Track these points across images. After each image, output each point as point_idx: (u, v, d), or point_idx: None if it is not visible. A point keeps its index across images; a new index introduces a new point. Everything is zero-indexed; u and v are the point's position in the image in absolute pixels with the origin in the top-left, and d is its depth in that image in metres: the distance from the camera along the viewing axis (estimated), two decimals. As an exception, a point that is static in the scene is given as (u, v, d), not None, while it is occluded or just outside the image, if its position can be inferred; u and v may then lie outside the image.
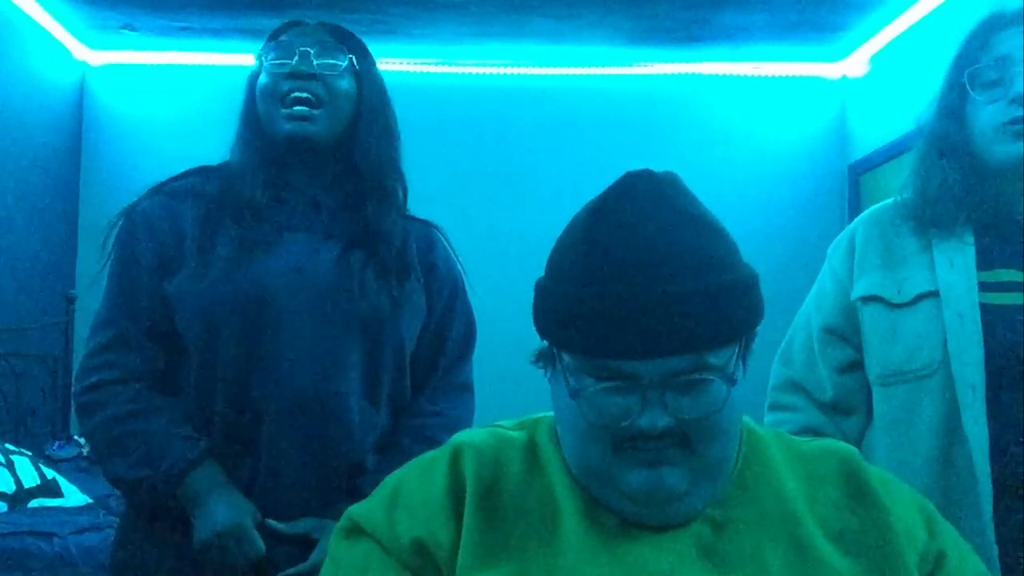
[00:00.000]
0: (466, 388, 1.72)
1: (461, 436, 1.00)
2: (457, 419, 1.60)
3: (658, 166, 0.99)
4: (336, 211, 1.54)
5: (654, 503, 0.90)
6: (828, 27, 4.20)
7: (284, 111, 1.49)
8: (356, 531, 0.95)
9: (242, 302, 1.43)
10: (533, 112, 4.60)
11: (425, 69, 4.59)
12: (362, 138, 1.55)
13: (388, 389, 1.52)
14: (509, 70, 4.60)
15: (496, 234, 4.52)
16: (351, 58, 1.58)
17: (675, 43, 4.37)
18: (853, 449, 1.02)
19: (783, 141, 4.63)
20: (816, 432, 1.47)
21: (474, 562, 0.89)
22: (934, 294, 1.42)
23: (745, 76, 4.64)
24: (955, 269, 1.42)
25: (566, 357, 0.91)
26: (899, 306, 1.46)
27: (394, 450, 1.50)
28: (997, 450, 1.35)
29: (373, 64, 1.65)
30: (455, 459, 0.96)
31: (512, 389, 4.24)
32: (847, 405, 1.54)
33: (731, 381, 0.88)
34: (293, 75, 1.50)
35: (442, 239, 1.68)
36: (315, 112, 1.50)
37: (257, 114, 1.53)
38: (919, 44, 3.84)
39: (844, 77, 4.63)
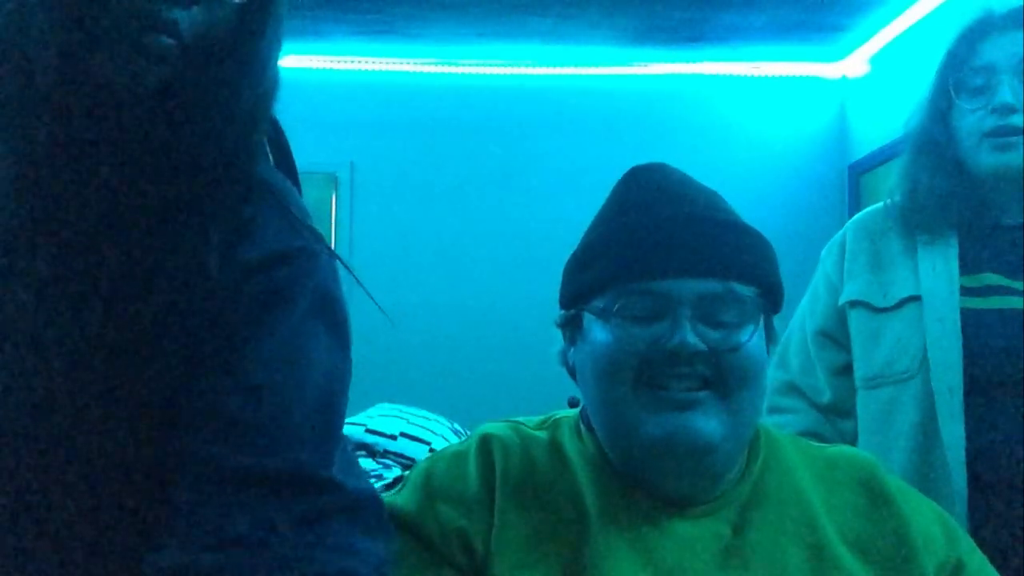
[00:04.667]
0: None
1: (486, 428, 1.01)
2: None
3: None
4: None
5: (683, 451, 0.89)
6: (828, 27, 4.20)
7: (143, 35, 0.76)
8: (391, 521, 0.95)
9: None
10: (533, 112, 4.60)
11: (425, 69, 4.59)
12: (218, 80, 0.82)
13: None
14: (509, 70, 4.60)
15: (497, 234, 4.52)
16: None
17: (675, 43, 4.37)
18: (872, 457, 1.04)
19: (783, 141, 4.63)
20: (815, 434, 1.48)
21: (506, 554, 0.90)
22: (917, 298, 1.43)
23: (745, 76, 4.64)
24: (938, 274, 1.42)
25: (596, 302, 0.93)
26: (883, 310, 1.47)
27: None
28: (973, 454, 1.36)
29: None
30: (484, 451, 0.97)
31: (514, 386, 4.24)
32: (845, 407, 1.55)
33: (757, 315, 0.92)
34: None
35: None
36: (172, 47, 0.78)
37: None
38: (919, 44, 3.84)
39: (844, 77, 4.63)
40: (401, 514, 0.94)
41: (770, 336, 0.96)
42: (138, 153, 0.81)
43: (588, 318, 0.94)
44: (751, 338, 0.91)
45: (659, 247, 0.90)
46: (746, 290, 0.92)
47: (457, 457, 0.98)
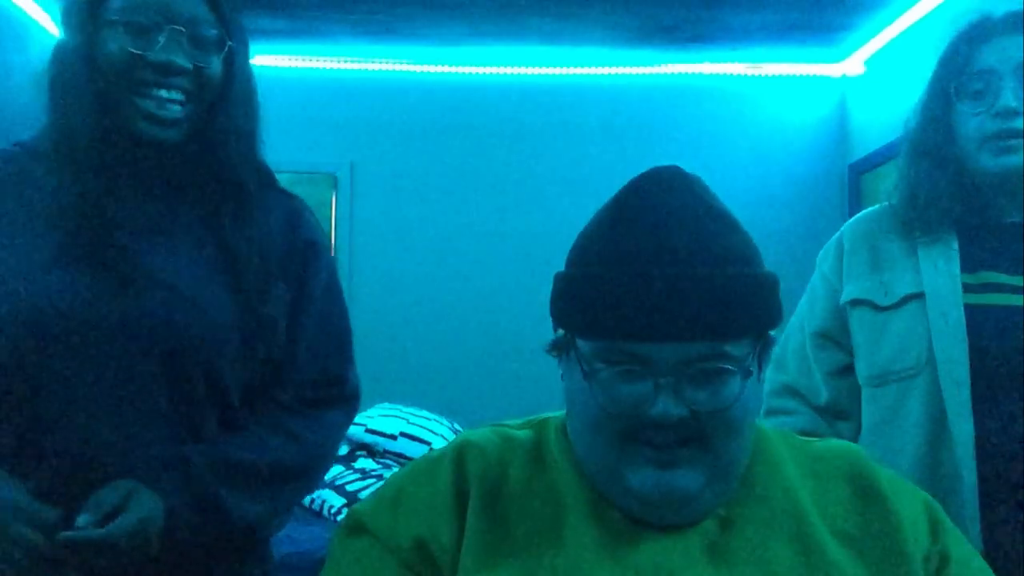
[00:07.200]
0: (338, 400, 1.37)
1: (465, 435, 1.00)
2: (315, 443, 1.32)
3: (659, 165, 0.99)
4: (183, 215, 1.26)
5: (664, 505, 0.89)
6: (828, 28, 4.20)
7: (141, 104, 1.19)
8: (358, 529, 0.95)
9: (24, 330, 1.14)
10: (533, 112, 4.60)
11: (425, 69, 4.59)
12: (221, 132, 1.24)
13: (212, 433, 1.25)
14: (509, 71, 4.60)
15: (497, 234, 4.53)
16: (229, 44, 1.23)
17: (675, 43, 4.37)
18: (861, 449, 1.03)
19: (783, 141, 4.63)
20: (813, 436, 1.49)
21: (477, 563, 0.89)
22: (919, 295, 1.44)
23: (745, 76, 4.64)
24: (940, 271, 1.43)
25: (581, 343, 0.90)
26: (886, 308, 1.48)
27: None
28: (982, 447, 1.37)
29: (245, 34, 1.29)
30: (459, 459, 0.96)
31: (514, 386, 4.25)
32: (842, 408, 1.56)
33: (747, 374, 0.88)
34: (159, 67, 1.18)
35: (307, 217, 1.38)
36: (180, 114, 1.21)
37: (95, 92, 1.20)
38: (919, 44, 3.84)
39: (844, 77, 4.63)
40: (367, 518, 0.94)
41: (763, 363, 0.92)
42: (175, 176, 1.27)
43: (574, 353, 0.91)
44: (740, 394, 0.87)
45: (641, 310, 0.84)
46: (738, 348, 0.87)
47: (431, 464, 0.97)
